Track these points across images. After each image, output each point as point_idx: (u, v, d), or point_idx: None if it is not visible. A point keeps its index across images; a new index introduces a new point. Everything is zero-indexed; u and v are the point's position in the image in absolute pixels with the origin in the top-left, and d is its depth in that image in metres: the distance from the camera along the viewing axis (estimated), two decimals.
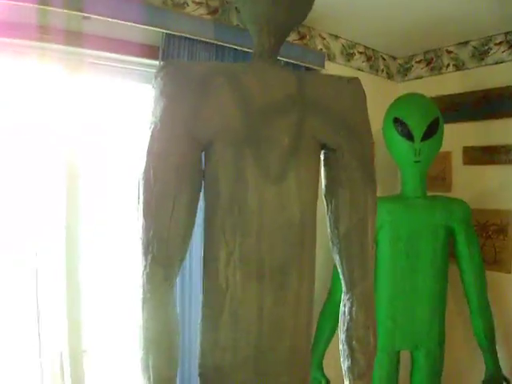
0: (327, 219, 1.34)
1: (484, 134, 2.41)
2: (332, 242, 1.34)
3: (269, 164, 1.17)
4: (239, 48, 1.77)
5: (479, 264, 2.12)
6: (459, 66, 2.50)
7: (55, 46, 1.54)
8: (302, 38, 2.21)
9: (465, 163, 2.50)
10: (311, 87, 1.24)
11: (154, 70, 1.83)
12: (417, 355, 2.17)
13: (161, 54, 1.65)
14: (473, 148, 2.45)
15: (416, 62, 2.74)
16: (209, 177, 1.17)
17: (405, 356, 2.35)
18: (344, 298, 1.31)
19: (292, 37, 2.15)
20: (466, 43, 2.47)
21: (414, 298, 2.09)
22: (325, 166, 1.31)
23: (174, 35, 1.61)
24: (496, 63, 2.34)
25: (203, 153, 1.19)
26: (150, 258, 1.07)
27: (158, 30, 1.58)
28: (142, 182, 1.11)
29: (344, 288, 1.31)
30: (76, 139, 1.66)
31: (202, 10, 1.74)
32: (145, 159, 1.11)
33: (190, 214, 1.13)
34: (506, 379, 2.07)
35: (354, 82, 1.31)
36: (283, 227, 1.18)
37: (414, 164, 2.04)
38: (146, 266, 1.08)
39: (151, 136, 1.11)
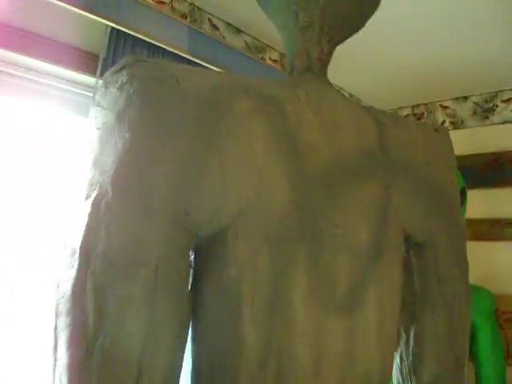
0: (397, 357, 0.79)
1: (492, 204, 2.03)
2: None
3: (334, 278, 0.59)
4: (222, 69, 1.20)
5: (502, 368, 1.69)
6: (457, 124, 2.15)
7: None
8: (283, 66, 1.71)
9: (469, 239, 2.09)
10: (395, 138, 0.70)
11: (87, 92, 1.22)
12: None
13: (101, 66, 1.03)
14: (478, 221, 2.06)
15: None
16: (214, 305, 0.55)
17: None
18: None
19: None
20: (465, 98, 2.14)
21: None
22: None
23: (124, 34, 1.00)
24: (504, 122, 2.00)
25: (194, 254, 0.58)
26: None
27: (100, 20, 0.95)
28: (65, 319, 0.49)
29: None
30: None
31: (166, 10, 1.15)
32: (75, 267, 0.48)
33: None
34: None
35: (443, 132, 0.81)
36: None
37: None
38: None
39: (93, 212, 0.49)
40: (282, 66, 1.70)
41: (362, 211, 0.62)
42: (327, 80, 0.70)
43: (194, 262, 0.56)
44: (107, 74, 0.55)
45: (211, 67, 1.19)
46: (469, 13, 1.58)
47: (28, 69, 1.04)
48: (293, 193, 0.55)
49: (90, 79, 1.07)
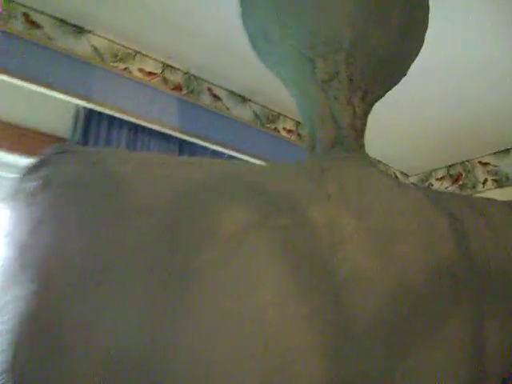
0: None
1: None
2: None
3: None
4: (227, 148, 0.99)
5: None
6: (502, 182, 1.89)
7: None
8: (300, 135, 1.51)
9: None
10: (478, 238, 0.43)
11: None
12: None
13: None
14: None
15: (437, 180, 2.12)
16: None
17: None
18: None
19: (287, 134, 1.44)
20: (506, 151, 1.90)
21: None
22: None
23: (99, 114, 0.80)
24: None
25: None
26: None
27: (71, 99, 0.76)
28: None
29: None
30: None
31: (158, 83, 0.97)
32: None
33: None
34: None
35: None
36: None
37: None
38: None
39: None
40: (299, 135, 1.50)
41: (447, 368, 0.35)
42: (367, 157, 0.43)
43: None
44: (19, 174, 0.32)
45: (214, 147, 0.98)
46: (504, 61, 1.39)
47: None
48: (330, 365, 0.28)
49: None
